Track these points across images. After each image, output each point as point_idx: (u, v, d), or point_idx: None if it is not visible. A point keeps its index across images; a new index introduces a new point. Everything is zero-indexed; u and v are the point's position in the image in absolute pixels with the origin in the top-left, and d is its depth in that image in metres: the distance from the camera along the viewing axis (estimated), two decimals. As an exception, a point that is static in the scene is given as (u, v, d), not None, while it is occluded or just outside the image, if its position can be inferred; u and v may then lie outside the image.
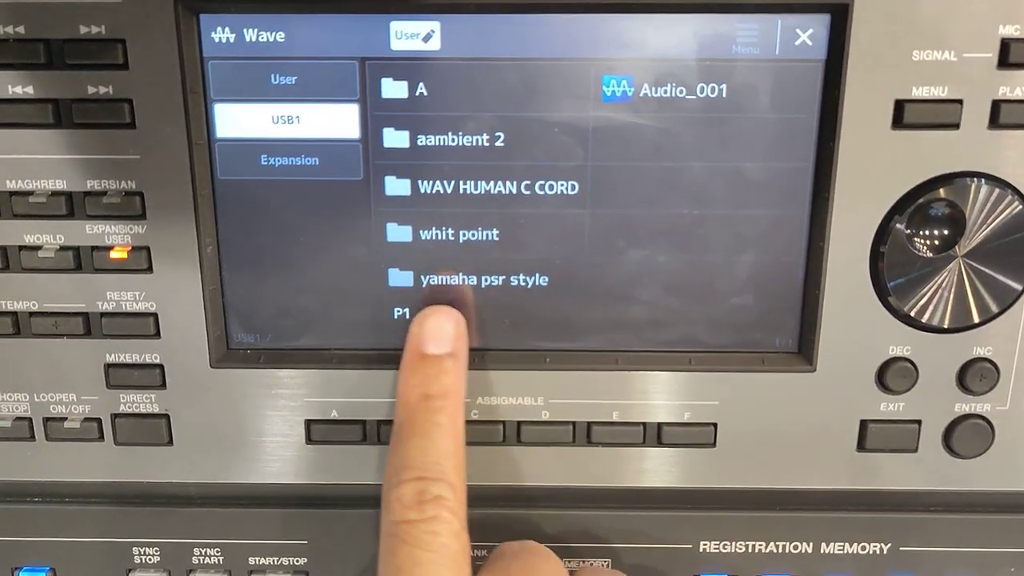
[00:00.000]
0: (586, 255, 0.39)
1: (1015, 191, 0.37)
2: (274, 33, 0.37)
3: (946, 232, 0.38)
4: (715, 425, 0.41)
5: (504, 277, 0.40)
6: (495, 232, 0.39)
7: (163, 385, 0.40)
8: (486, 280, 0.40)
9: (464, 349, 0.38)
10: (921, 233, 0.38)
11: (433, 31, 0.37)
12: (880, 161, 0.37)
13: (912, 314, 0.38)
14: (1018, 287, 0.38)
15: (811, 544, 0.42)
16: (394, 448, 0.35)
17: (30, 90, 0.36)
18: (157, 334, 0.39)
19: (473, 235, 0.39)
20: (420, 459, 0.34)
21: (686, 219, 0.39)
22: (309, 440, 0.41)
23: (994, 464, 0.41)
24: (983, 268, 0.38)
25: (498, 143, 0.38)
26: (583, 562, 0.42)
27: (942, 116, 0.36)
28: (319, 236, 0.39)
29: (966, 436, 0.40)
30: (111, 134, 0.37)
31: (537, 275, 0.40)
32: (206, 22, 0.37)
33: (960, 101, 0.36)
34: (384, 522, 0.34)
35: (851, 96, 0.36)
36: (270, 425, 0.41)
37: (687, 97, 0.37)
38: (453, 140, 0.38)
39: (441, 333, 0.37)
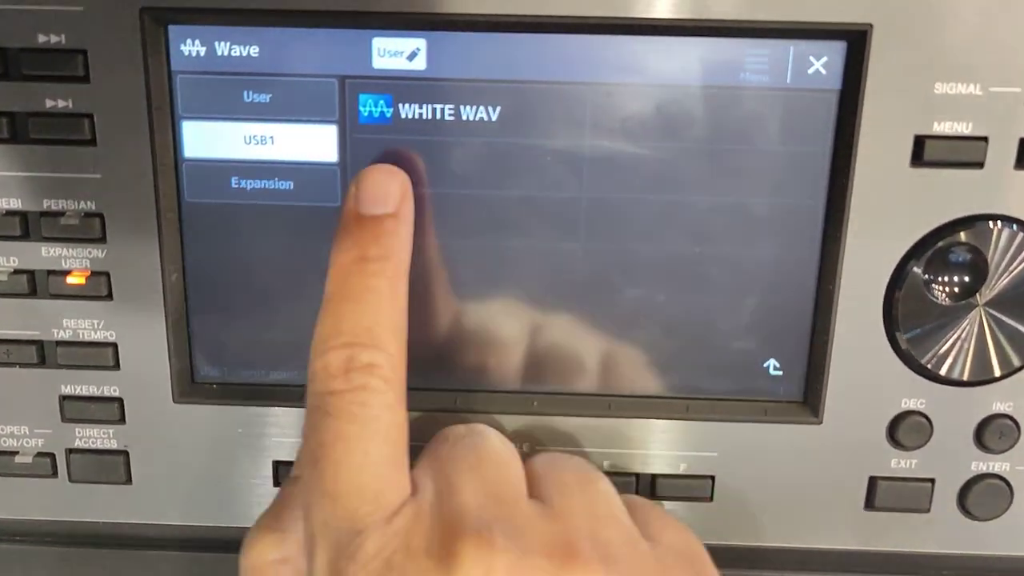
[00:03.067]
0: (579, 292, 0.37)
1: (1042, 236, 0.34)
2: (248, 47, 0.34)
3: (966, 279, 0.35)
4: (712, 478, 0.38)
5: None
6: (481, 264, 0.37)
7: (122, 420, 0.38)
8: (470, 316, 0.37)
9: (409, 213, 0.33)
10: (939, 279, 0.35)
11: (419, 49, 0.34)
12: (897, 200, 0.34)
13: (929, 366, 0.36)
14: (1043, 339, 0.35)
15: (813, 607, 0.40)
16: (323, 316, 0.31)
17: (-17, 102, 0.34)
18: (116, 365, 0.37)
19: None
20: (351, 325, 0.30)
21: (687, 257, 0.36)
22: (277, 483, 0.39)
23: (1012, 527, 0.38)
24: (1005, 318, 0.35)
25: (487, 170, 0.35)
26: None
27: (965, 154, 0.34)
28: (293, 264, 0.37)
29: (983, 497, 0.38)
30: (70, 151, 0.35)
31: (526, 311, 0.37)
32: (174, 34, 0.34)
33: (985, 138, 0.34)
34: (309, 395, 0.30)
35: (867, 130, 0.34)
36: (236, 465, 0.39)
37: (690, 126, 0.35)
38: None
39: (382, 192, 0.33)
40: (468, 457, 0.31)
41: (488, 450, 0.32)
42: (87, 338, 0.37)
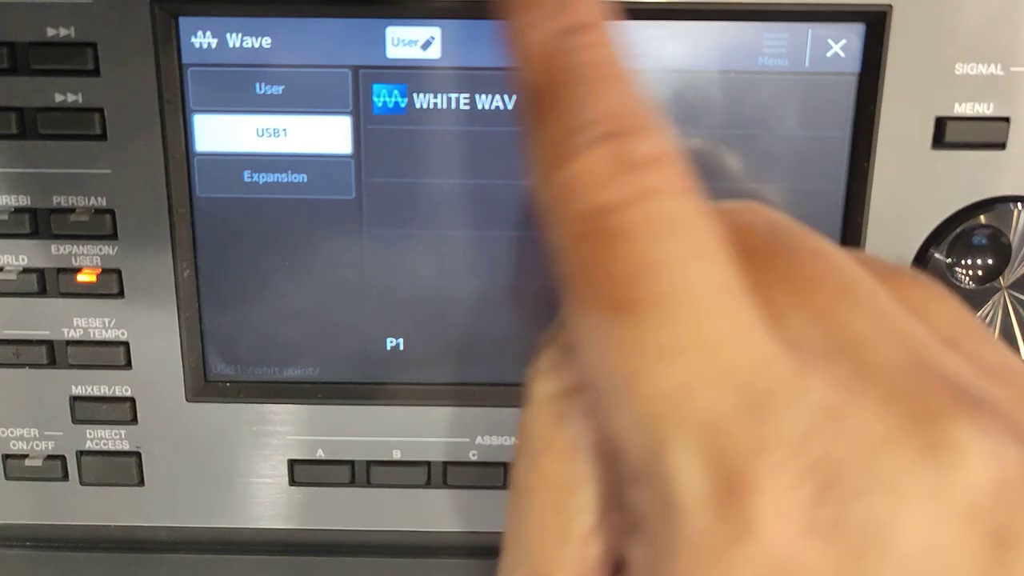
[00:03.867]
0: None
1: (1065, 217, 0.34)
2: (259, 38, 0.34)
3: (990, 262, 0.35)
4: None
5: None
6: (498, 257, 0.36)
7: (134, 420, 0.37)
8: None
9: None
10: (962, 263, 0.35)
11: (433, 38, 0.34)
12: (918, 184, 0.34)
13: (953, 351, 0.35)
14: (1068, 322, 0.35)
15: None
16: (540, 121, 0.20)
17: (-9, 98, 0.33)
18: (128, 365, 0.36)
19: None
20: (599, 108, 0.19)
21: None
22: (293, 481, 0.38)
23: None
24: (1030, 301, 0.35)
25: (504, 161, 0.35)
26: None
27: (987, 135, 0.33)
28: (307, 259, 0.36)
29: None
30: (80, 146, 0.34)
31: (547, 300, 0.37)
32: (185, 25, 0.34)
33: (1007, 119, 0.33)
34: (564, 223, 0.19)
35: (888, 113, 0.33)
36: (251, 465, 0.38)
37: (708, 113, 0.34)
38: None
39: None
40: (836, 279, 0.19)
41: (845, 263, 0.19)
42: (98, 337, 0.36)
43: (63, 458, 0.38)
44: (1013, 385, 0.18)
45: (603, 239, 0.18)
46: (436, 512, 0.38)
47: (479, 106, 0.34)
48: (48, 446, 0.38)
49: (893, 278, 0.20)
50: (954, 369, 0.17)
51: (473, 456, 0.37)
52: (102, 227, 0.35)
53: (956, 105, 0.33)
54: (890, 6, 0.33)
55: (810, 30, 0.34)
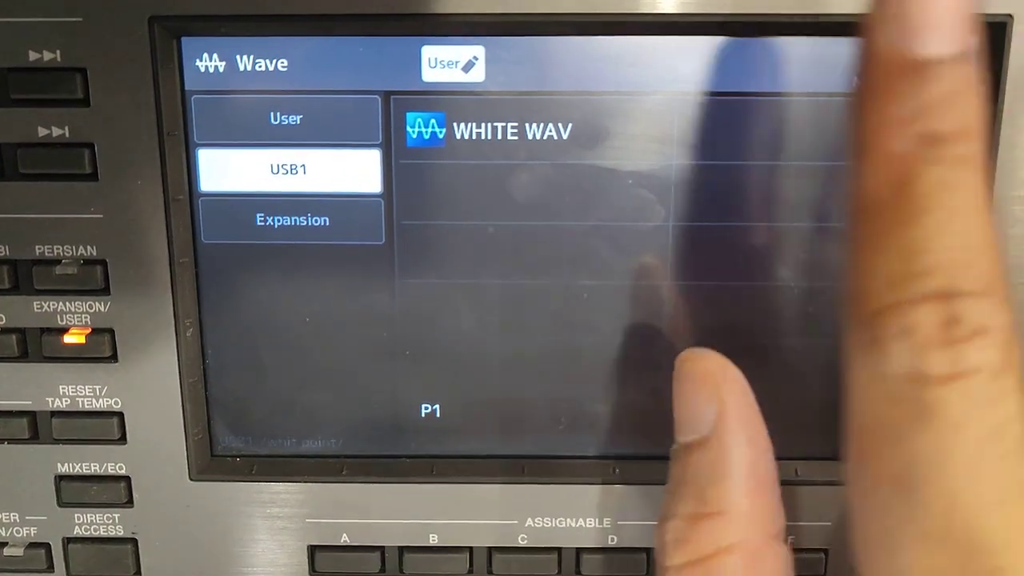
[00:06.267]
0: (667, 338, 0.32)
1: None
2: (275, 60, 0.30)
3: None
4: (826, 551, 0.33)
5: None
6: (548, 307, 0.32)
7: (129, 502, 0.34)
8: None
9: (976, 46, 0.20)
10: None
11: (476, 58, 0.30)
12: (1043, 221, 0.30)
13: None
14: None
15: None
16: (872, 245, 0.19)
17: (-35, 132, 0.31)
18: (122, 439, 0.33)
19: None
20: (938, 254, 0.19)
21: (794, 293, 0.32)
22: (313, 571, 0.34)
23: None
24: None
25: (556, 197, 0.31)
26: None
27: None
28: (329, 314, 0.33)
29: None
30: (67, 187, 0.31)
31: (604, 360, 0.32)
32: (189, 47, 0.30)
33: None
34: (870, 381, 0.19)
35: (1008, 137, 0.29)
36: (264, 553, 0.34)
37: (796, 141, 0.30)
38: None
39: (945, 16, 0.19)
40: None
41: None
42: (88, 407, 0.33)
43: (47, 546, 0.35)
44: None
45: (914, 414, 0.19)
46: (479, 606, 0.35)
47: (529, 136, 0.31)
48: (30, 532, 0.35)
49: None
50: None
51: (523, 541, 0.34)
52: (92, 280, 0.32)
53: (1089, 128, 0.29)
54: (1010, 16, 0.28)
55: (914, 44, 0.29)
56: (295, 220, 0.32)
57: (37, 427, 0.33)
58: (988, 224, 0.19)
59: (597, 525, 0.33)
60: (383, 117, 0.30)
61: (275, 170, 0.31)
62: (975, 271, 0.19)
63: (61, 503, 0.34)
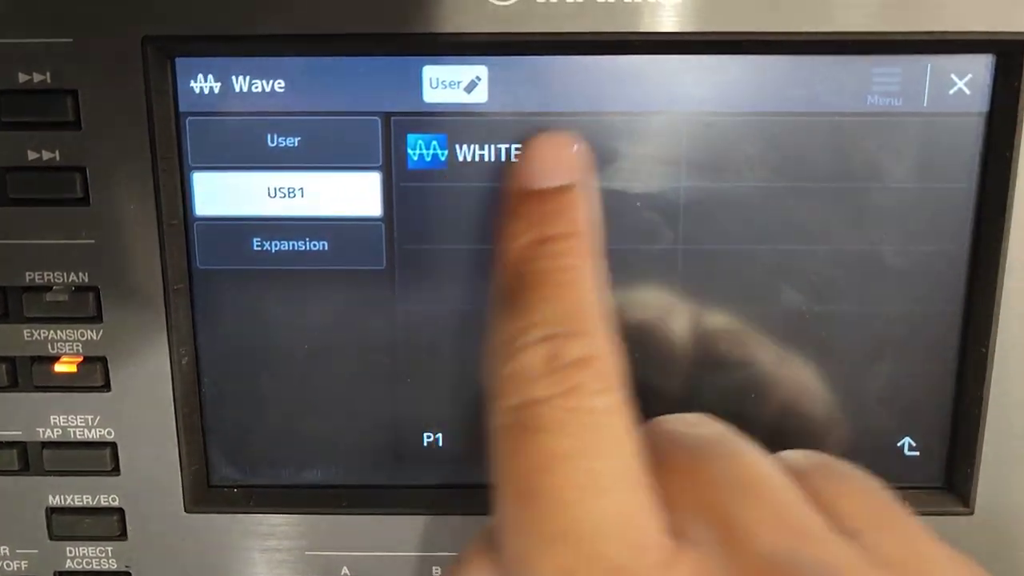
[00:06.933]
0: (677, 365, 0.31)
1: None
2: (272, 81, 0.29)
3: None
4: None
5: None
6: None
7: (123, 535, 0.33)
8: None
9: (592, 183, 0.28)
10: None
11: (479, 78, 0.29)
12: (1062, 243, 0.29)
13: (1109, 444, 0.30)
14: None
15: None
16: (502, 315, 0.25)
17: (-47, 156, 0.30)
18: (116, 470, 0.32)
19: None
20: (546, 313, 0.24)
21: (805, 317, 0.31)
22: None
23: None
24: None
25: None
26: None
27: None
28: (328, 340, 0.32)
29: None
30: (58, 212, 0.30)
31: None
32: (183, 67, 0.29)
33: None
34: (497, 414, 0.23)
35: (1026, 160, 0.28)
36: None
37: (808, 162, 0.30)
38: (504, 218, 0.30)
39: (556, 160, 0.28)
40: (737, 478, 0.23)
41: (755, 464, 0.23)
42: (80, 437, 0.32)
43: (38, 581, 0.34)
44: None
45: (521, 431, 0.22)
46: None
47: (533, 158, 0.30)
48: (21, 566, 0.34)
49: (814, 474, 0.24)
50: (839, 560, 0.21)
51: None
52: (84, 307, 0.31)
53: (1109, 149, 0.28)
54: (1030, 33, 0.28)
55: (929, 63, 0.29)
56: (293, 244, 0.31)
57: (28, 458, 0.32)
58: (589, 290, 0.25)
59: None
60: (383, 139, 0.30)
61: (272, 193, 0.30)
62: (574, 321, 0.24)
63: (52, 536, 0.33)
